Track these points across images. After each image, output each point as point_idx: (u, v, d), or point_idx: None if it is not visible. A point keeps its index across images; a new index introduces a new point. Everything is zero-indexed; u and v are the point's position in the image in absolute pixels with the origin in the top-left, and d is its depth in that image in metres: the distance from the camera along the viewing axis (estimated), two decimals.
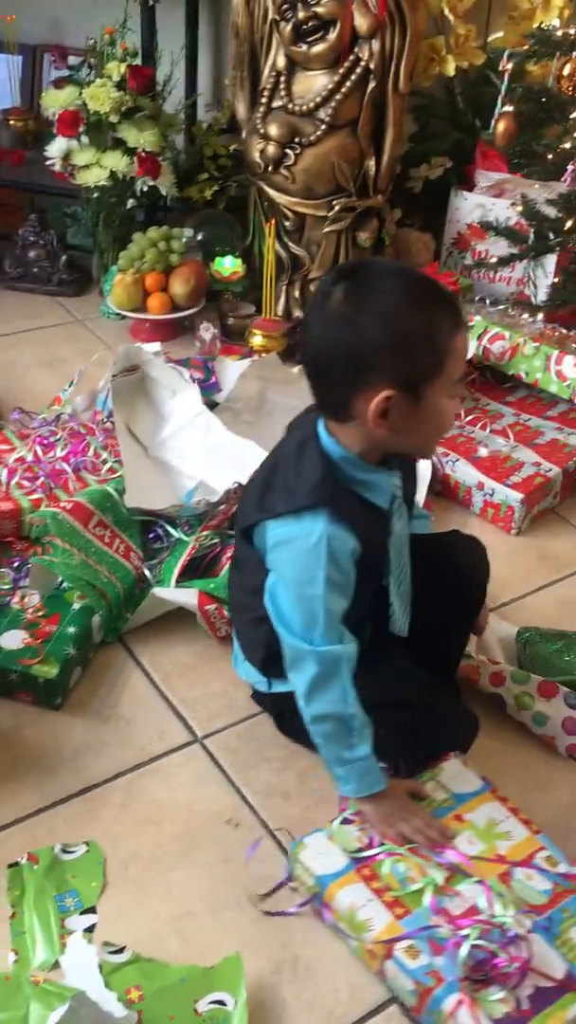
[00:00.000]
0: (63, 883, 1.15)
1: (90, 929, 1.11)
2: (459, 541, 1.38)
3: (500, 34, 2.41)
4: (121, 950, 1.09)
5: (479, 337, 2.07)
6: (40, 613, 1.44)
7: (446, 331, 1.06)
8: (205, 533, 1.59)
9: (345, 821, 1.17)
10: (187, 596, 1.47)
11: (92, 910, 1.13)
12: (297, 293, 2.37)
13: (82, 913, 1.12)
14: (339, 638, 1.12)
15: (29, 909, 1.12)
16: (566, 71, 2.01)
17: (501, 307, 2.23)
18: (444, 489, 1.86)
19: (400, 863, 1.12)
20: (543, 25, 2.12)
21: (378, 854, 1.13)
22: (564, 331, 2.04)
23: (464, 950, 1.02)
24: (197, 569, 1.54)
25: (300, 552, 1.09)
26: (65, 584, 1.48)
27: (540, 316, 2.09)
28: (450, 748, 1.28)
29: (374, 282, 1.06)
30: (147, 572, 1.54)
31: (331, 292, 1.06)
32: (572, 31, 2.05)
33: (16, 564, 1.54)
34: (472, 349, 2.05)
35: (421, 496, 1.77)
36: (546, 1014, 0.99)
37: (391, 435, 1.08)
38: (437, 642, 1.33)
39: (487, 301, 2.30)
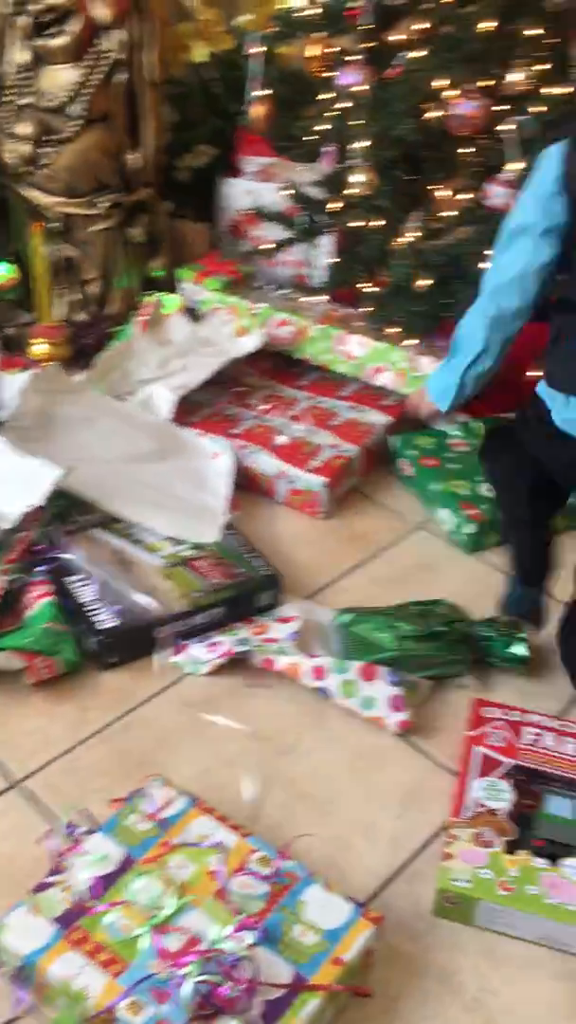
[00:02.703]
0: None
1: None
2: None
3: (247, 17, 2.40)
4: None
5: (264, 323, 2.06)
6: None
7: None
8: (10, 568, 1.50)
9: (43, 887, 1.07)
10: (10, 661, 1.40)
11: None
12: (79, 295, 2.29)
13: None
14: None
15: None
16: (314, 52, 2.01)
17: (284, 292, 2.22)
18: (247, 482, 1.84)
19: (110, 915, 1.04)
20: (287, 6, 2.12)
21: (92, 908, 1.04)
22: (348, 310, 2.06)
23: (186, 989, 0.97)
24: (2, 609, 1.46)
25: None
26: None
27: (324, 298, 2.10)
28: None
29: None
30: None
31: None
32: (316, 11, 2.05)
33: None
34: (260, 337, 2.04)
35: (228, 493, 1.75)
36: None
37: None
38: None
39: (270, 286, 2.30)
